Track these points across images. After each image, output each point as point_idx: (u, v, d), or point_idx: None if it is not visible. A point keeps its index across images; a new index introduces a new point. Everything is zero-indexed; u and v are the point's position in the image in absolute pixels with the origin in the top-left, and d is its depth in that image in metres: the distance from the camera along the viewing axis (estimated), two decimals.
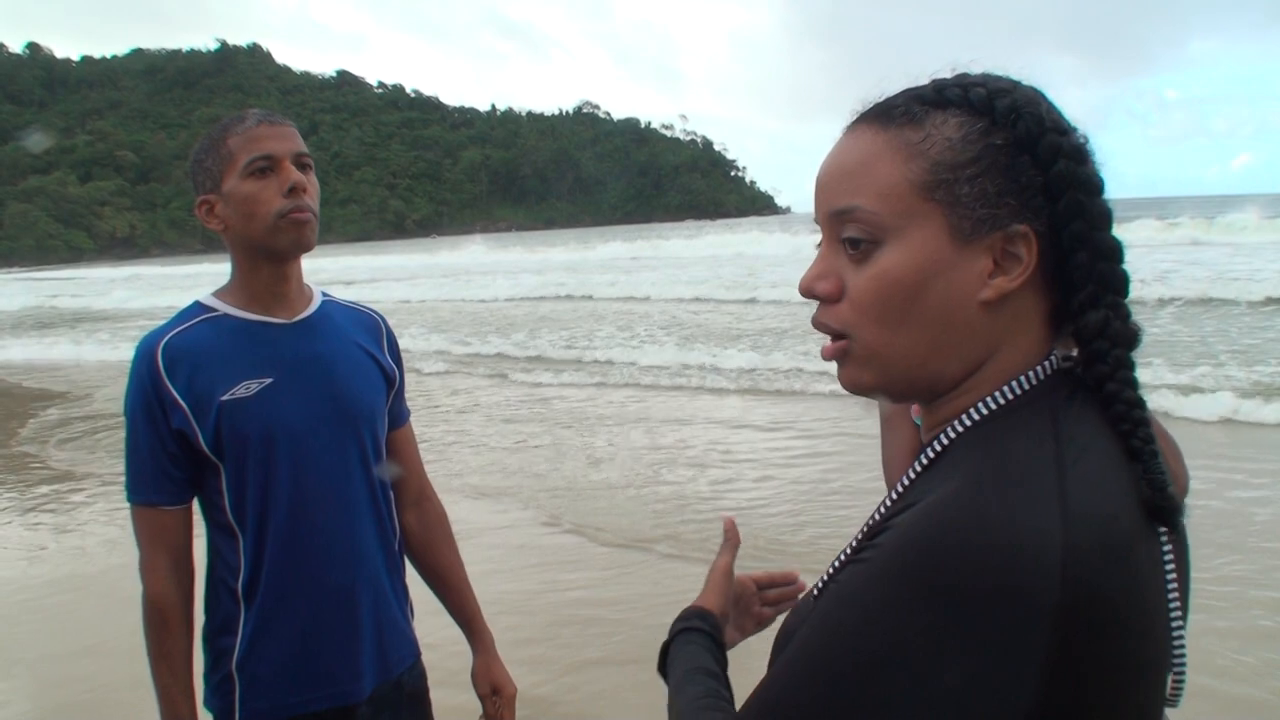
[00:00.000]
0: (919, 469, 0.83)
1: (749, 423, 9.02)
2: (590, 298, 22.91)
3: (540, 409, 10.15)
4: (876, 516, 0.84)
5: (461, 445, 8.60)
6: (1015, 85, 0.82)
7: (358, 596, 1.85)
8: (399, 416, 2.04)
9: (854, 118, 0.85)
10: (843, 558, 0.83)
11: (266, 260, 1.79)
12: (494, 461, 7.93)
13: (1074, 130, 0.81)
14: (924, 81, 0.84)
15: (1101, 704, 0.72)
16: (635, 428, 8.88)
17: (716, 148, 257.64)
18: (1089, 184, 0.79)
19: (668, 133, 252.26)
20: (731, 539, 1.23)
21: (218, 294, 1.85)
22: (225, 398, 1.73)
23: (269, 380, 1.77)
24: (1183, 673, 0.78)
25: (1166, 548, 0.77)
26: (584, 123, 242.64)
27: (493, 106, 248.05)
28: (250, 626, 1.79)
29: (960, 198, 0.78)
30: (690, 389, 10.85)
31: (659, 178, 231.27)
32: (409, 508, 2.07)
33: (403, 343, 2.09)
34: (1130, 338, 0.80)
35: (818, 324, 0.85)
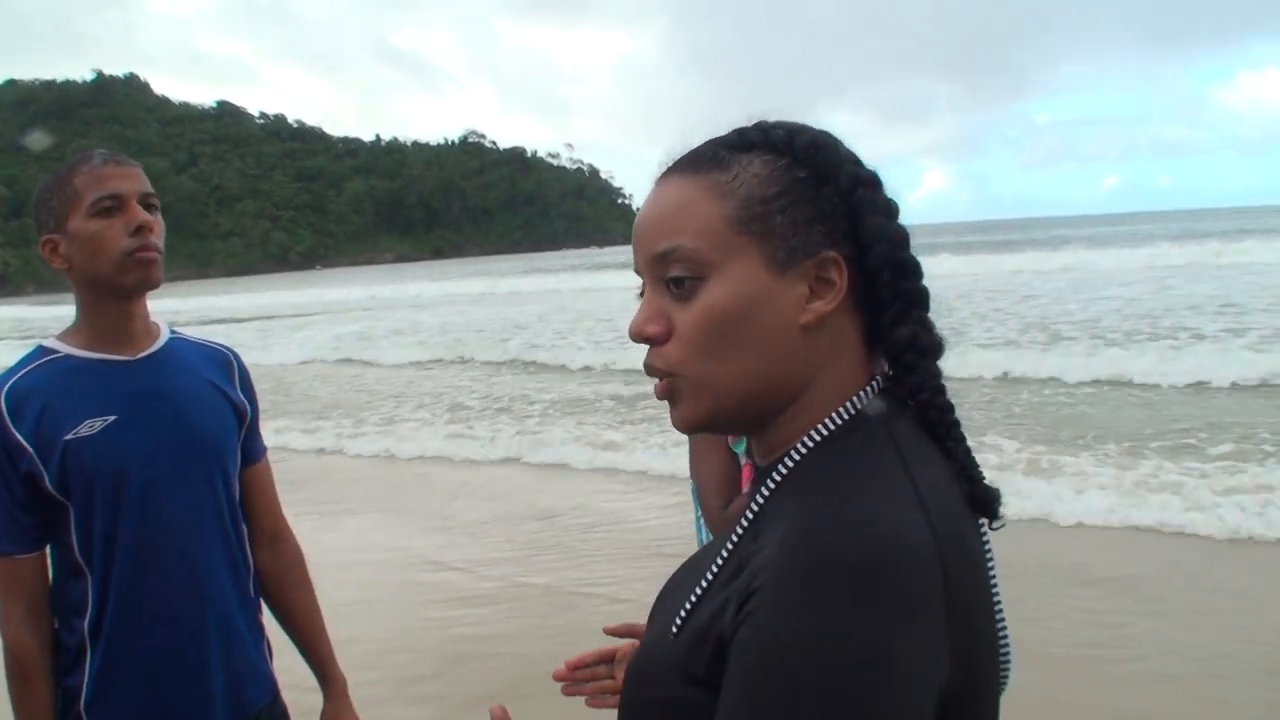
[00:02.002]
0: (766, 495, 0.86)
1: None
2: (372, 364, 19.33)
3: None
4: (729, 546, 0.87)
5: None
6: (809, 127, 0.89)
7: (207, 635, 1.84)
8: (252, 452, 2.02)
9: (663, 170, 0.91)
10: (710, 607, 0.83)
11: (112, 298, 1.79)
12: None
13: (865, 164, 0.89)
14: (725, 131, 0.91)
15: (981, 688, 0.80)
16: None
17: (603, 175, 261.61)
18: (887, 208, 0.87)
19: (554, 161, 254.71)
20: None
21: (61, 336, 1.85)
22: (69, 437, 1.73)
23: (113, 417, 1.77)
24: (1008, 658, 0.88)
25: (986, 539, 0.87)
26: (470, 152, 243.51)
27: (377, 136, 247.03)
28: (97, 667, 1.78)
29: (773, 229, 0.84)
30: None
31: (545, 206, 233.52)
32: (263, 546, 2.05)
33: None
34: (936, 348, 0.88)
35: (649, 366, 0.89)
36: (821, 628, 0.72)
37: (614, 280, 36.61)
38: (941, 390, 0.88)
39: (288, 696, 2.07)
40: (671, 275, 0.87)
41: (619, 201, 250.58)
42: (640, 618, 0.85)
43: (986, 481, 0.87)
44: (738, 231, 0.85)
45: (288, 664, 2.11)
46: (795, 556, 0.75)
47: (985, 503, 0.86)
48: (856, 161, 0.89)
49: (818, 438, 0.86)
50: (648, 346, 0.90)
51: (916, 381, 0.87)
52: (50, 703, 1.80)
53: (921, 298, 0.88)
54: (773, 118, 0.92)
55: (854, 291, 0.86)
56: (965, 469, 0.86)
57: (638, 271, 0.91)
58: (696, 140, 0.92)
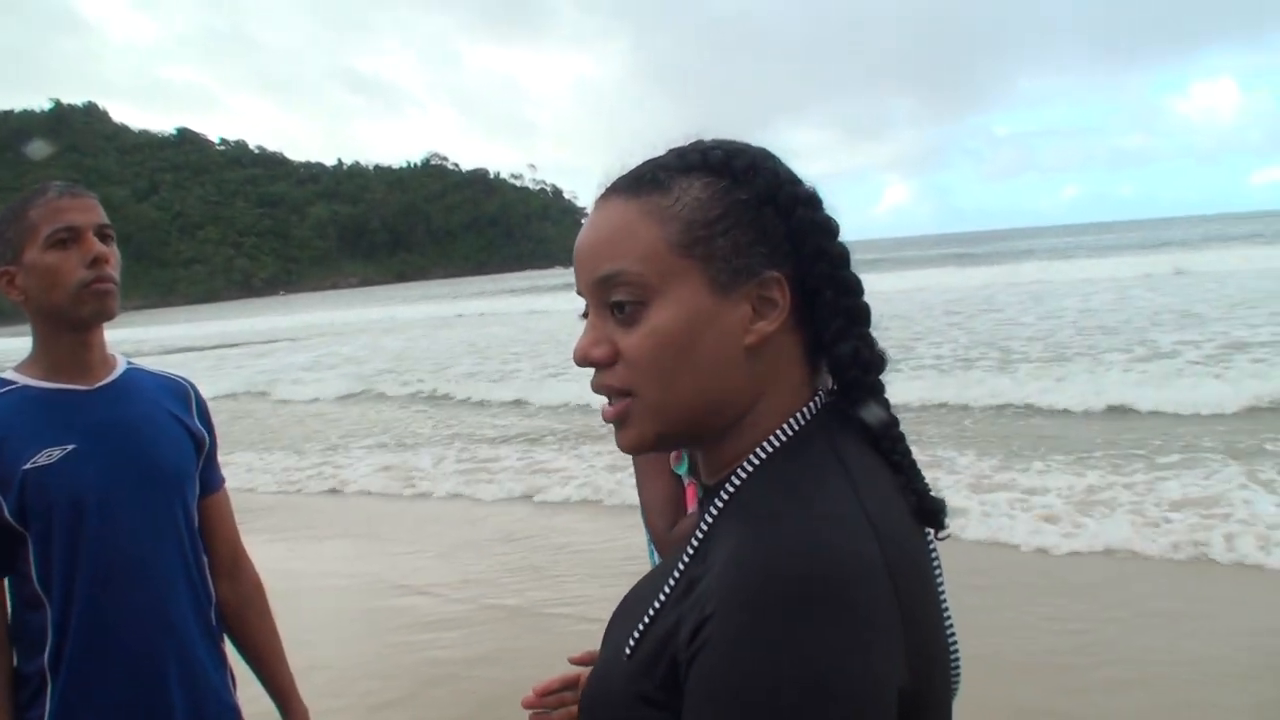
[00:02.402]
0: (713, 515, 0.87)
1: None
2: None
3: None
4: (679, 567, 0.87)
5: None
6: (748, 146, 0.90)
7: (167, 665, 1.83)
8: (210, 482, 2.03)
9: (602, 191, 0.91)
10: (663, 627, 0.84)
11: (69, 329, 1.80)
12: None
13: (804, 183, 0.90)
14: (662, 152, 0.91)
15: (932, 695, 0.80)
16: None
17: (566, 195, 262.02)
18: (826, 228, 0.88)
19: (517, 182, 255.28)
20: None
21: (18, 368, 1.85)
22: (27, 466, 1.72)
23: (71, 446, 1.77)
24: (958, 665, 0.90)
25: (934, 550, 0.90)
26: (433, 175, 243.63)
27: (339, 161, 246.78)
28: (58, 700, 1.76)
29: (715, 252, 0.84)
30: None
31: (509, 227, 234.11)
32: (222, 577, 2.04)
33: None
34: (878, 363, 0.89)
35: (598, 387, 0.90)
36: (774, 656, 0.72)
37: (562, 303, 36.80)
38: (885, 404, 0.90)
39: None
40: (614, 299, 0.87)
41: (583, 221, 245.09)
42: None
43: (932, 493, 0.89)
44: (680, 255, 0.85)
45: (252, 694, 2.10)
46: (740, 581, 0.76)
47: (931, 514, 0.88)
48: (795, 181, 0.89)
49: (763, 455, 0.86)
50: (593, 369, 0.90)
51: (860, 396, 0.89)
52: None
53: (863, 314, 0.89)
54: (721, 135, 0.92)
55: (796, 310, 0.87)
56: (910, 481, 0.88)
57: (580, 293, 0.91)
58: (634, 160, 0.91)
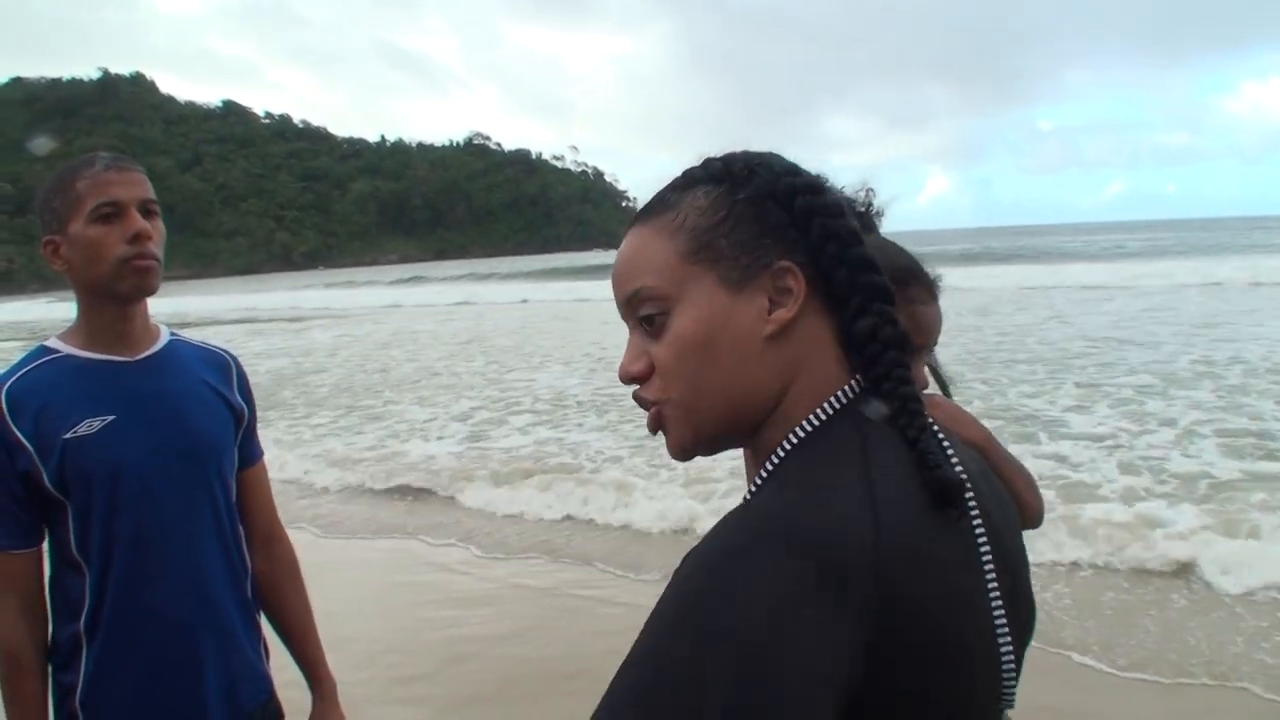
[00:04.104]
0: (748, 497, 0.88)
1: None
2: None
3: None
4: None
5: None
6: (748, 153, 0.94)
7: (203, 634, 1.86)
8: (250, 455, 2.06)
9: (629, 224, 0.96)
10: None
11: (109, 302, 1.81)
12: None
13: (806, 172, 0.92)
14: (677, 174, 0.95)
15: (914, 691, 0.77)
16: None
17: (607, 178, 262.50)
18: (831, 209, 0.89)
19: (558, 163, 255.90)
20: None
21: (62, 336, 1.87)
22: (68, 436, 1.75)
23: (111, 418, 1.79)
24: (1011, 670, 0.86)
25: (981, 540, 0.86)
26: (474, 154, 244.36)
27: (382, 137, 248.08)
28: (93, 663, 1.79)
29: (723, 252, 0.88)
30: None
31: (550, 208, 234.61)
32: (258, 549, 2.06)
33: None
34: (900, 339, 0.88)
35: (638, 400, 0.93)
36: (689, 603, 0.75)
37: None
38: (905, 380, 0.88)
39: (283, 694, 2.09)
40: (642, 314, 0.91)
41: (623, 205, 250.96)
42: (634, 620, 0.91)
43: (941, 470, 0.83)
44: (691, 262, 0.89)
45: (282, 662, 2.13)
46: (702, 543, 0.79)
47: (943, 492, 0.83)
48: (794, 172, 0.91)
49: (793, 441, 0.88)
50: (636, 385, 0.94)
51: (880, 373, 0.88)
52: (41, 699, 1.82)
53: (881, 291, 0.89)
54: (761, 120, 1.02)
55: (819, 295, 0.89)
56: (922, 455, 0.84)
57: (623, 318, 0.95)
58: (653, 178, 0.96)
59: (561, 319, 27.26)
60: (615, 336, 17.67)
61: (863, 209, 1.29)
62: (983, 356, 13.86)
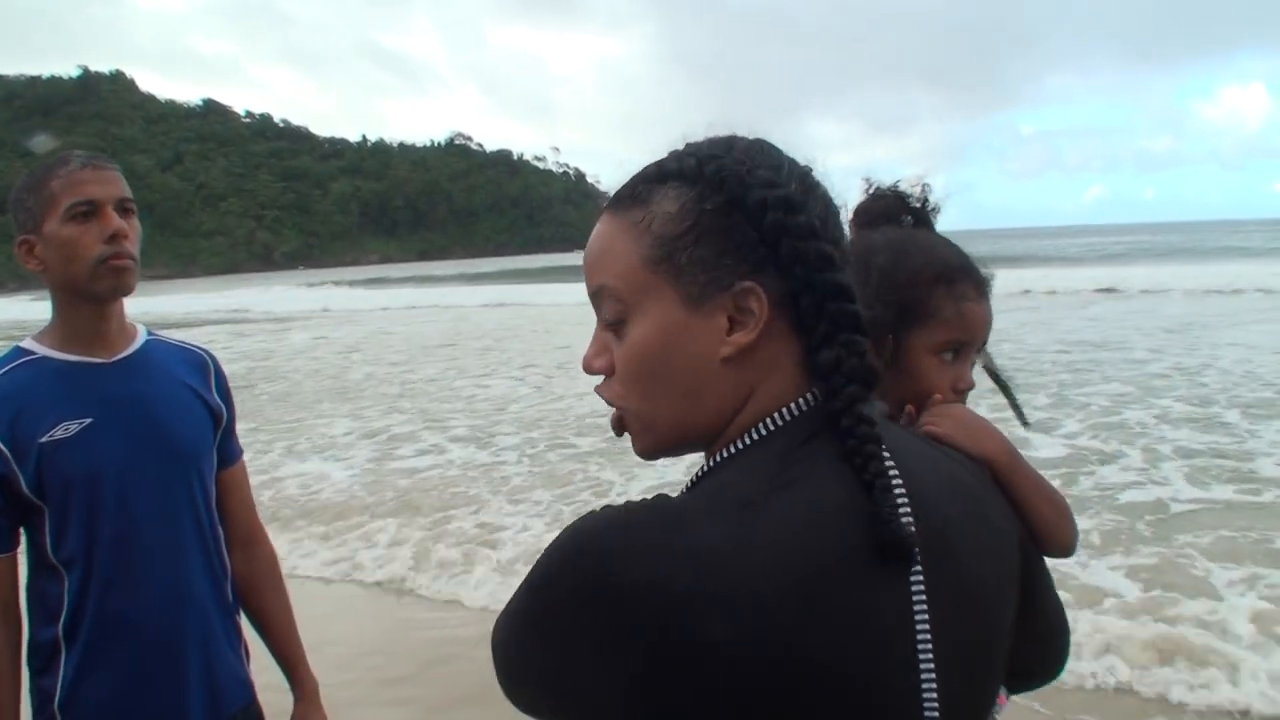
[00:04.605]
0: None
1: None
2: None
3: None
4: None
5: None
6: (730, 147, 0.88)
7: (183, 637, 1.85)
8: (229, 456, 2.04)
9: (605, 205, 0.92)
10: None
11: (86, 301, 1.79)
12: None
13: (785, 183, 0.85)
14: (682, 145, 0.90)
15: None
16: None
17: (589, 179, 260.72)
18: (802, 230, 0.83)
19: (540, 164, 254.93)
20: None
21: (37, 337, 1.85)
22: (44, 440, 1.73)
23: (88, 420, 1.77)
24: (933, 705, 0.79)
25: (918, 588, 0.79)
26: (456, 154, 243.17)
27: (363, 137, 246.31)
28: (72, 667, 1.78)
29: (682, 267, 0.84)
30: None
31: (532, 209, 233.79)
32: (238, 549, 2.05)
33: None
34: (866, 374, 0.83)
35: (600, 395, 0.92)
36: (512, 619, 0.84)
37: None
38: (863, 419, 0.82)
39: (263, 698, 2.08)
40: (604, 314, 0.90)
41: (604, 206, 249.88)
42: None
43: (893, 523, 0.78)
44: (651, 271, 0.86)
45: (261, 665, 2.12)
46: (552, 543, 0.83)
47: (890, 545, 0.78)
48: (770, 184, 0.85)
49: (720, 458, 0.87)
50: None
51: (838, 407, 0.83)
52: (15, 703, 1.79)
53: (851, 320, 0.84)
54: (745, 124, 0.92)
55: (786, 316, 0.85)
56: (876, 506, 0.78)
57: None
58: (632, 173, 0.93)
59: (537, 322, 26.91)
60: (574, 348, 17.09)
61: (918, 204, 1.27)
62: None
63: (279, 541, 6.95)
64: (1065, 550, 1.31)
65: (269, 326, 31.05)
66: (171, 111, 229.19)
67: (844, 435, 0.82)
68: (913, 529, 0.79)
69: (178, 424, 1.89)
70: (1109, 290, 26.40)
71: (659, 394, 0.87)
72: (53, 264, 1.78)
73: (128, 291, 1.82)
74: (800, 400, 0.86)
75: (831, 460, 0.81)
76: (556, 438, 10.08)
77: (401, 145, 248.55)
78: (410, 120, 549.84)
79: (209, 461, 1.97)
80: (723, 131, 0.92)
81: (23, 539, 1.83)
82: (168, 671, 1.84)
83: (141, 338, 1.93)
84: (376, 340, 24.14)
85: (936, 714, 0.80)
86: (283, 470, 9.27)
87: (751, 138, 0.91)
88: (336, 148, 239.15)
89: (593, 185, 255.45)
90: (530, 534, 6.65)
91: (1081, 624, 4.46)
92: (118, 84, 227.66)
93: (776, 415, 0.85)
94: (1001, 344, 1.41)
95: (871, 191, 1.31)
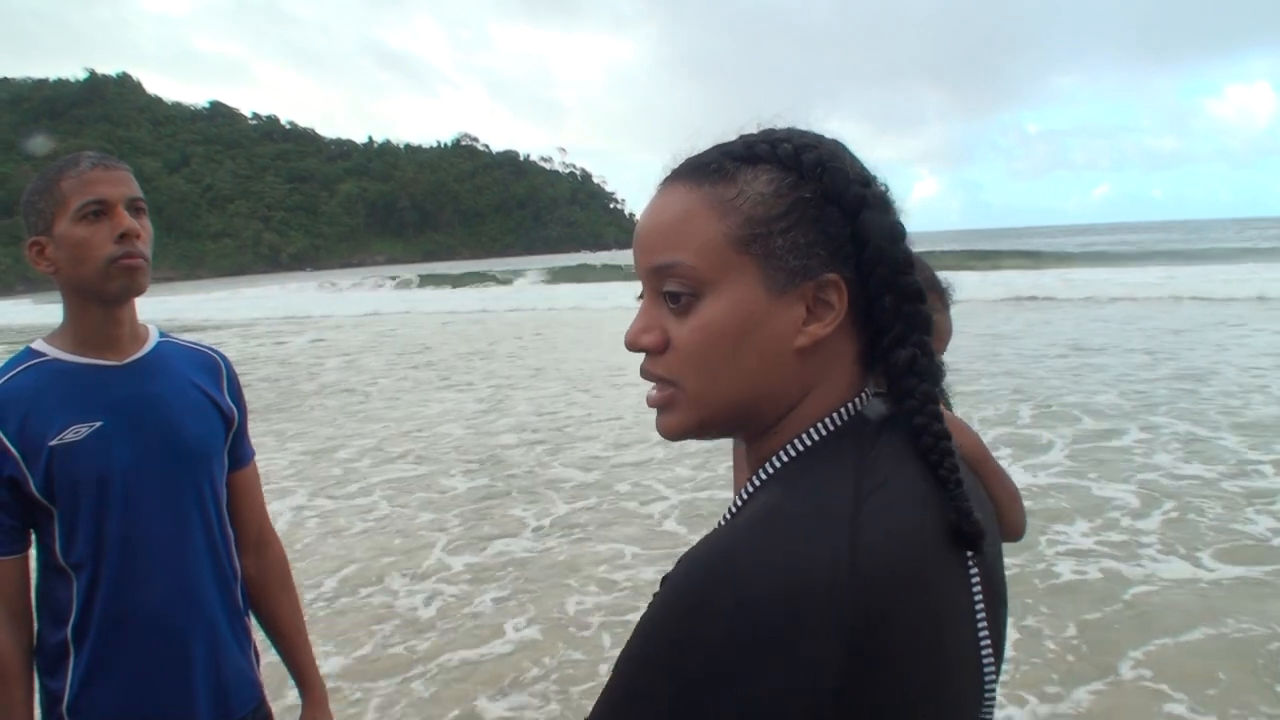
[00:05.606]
0: (737, 506, 0.86)
1: None
2: None
3: None
4: None
5: None
6: (820, 140, 0.88)
7: (192, 640, 1.84)
8: (240, 458, 2.03)
9: (667, 174, 0.89)
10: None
11: (97, 303, 1.78)
12: None
13: (875, 181, 0.87)
14: (732, 138, 0.89)
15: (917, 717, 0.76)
16: None
17: (595, 180, 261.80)
18: (891, 232, 0.85)
19: (547, 165, 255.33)
20: None
21: (48, 339, 1.84)
22: (54, 442, 1.72)
23: (99, 423, 1.76)
24: (990, 697, 0.85)
25: (974, 573, 0.84)
26: (463, 155, 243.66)
27: (370, 138, 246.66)
28: (81, 669, 1.78)
29: (774, 250, 0.83)
30: None
31: (539, 210, 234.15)
32: (248, 552, 2.05)
33: None
34: (935, 373, 0.86)
35: (646, 374, 0.89)
36: (656, 649, 0.75)
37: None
38: (937, 416, 0.85)
39: (271, 700, 2.09)
40: (669, 289, 0.86)
41: (611, 206, 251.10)
42: (635, 601, 0.91)
43: (973, 516, 0.82)
44: (738, 251, 0.84)
45: (269, 664, 2.12)
46: (678, 569, 0.78)
47: (965, 536, 0.82)
48: (865, 182, 0.86)
49: (787, 457, 0.86)
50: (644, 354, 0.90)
51: (913, 405, 0.85)
52: (26, 705, 1.79)
53: (924, 322, 0.86)
54: (780, 123, 0.91)
55: (854, 312, 0.86)
56: (954, 499, 0.82)
57: (639, 276, 0.91)
58: (703, 144, 0.90)
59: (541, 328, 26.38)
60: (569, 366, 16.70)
61: None
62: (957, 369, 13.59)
63: None
64: (1016, 534, 1.53)
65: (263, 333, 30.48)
66: (178, 114, 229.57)
67: (919, 433, 0.85)
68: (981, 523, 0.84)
69: (188, 426, 1.89)
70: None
71: (724, 376, 0.85)
72: (64, 265, 1.78)
73: (139, 291, 1.81)
74: (860, 397, 0.88)
75: (908, 457, 0.84)
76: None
77: (408, 146, 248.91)
78: (417, 121, 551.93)
79: (220, 464, 1.96)
80: (748, 129, 0.91)
81: (32, 541, 1.83)
82: (175, 674, 1.85)
83: (154, 339, 1.93)
84: (368, 346, 23.16)
85: (993, 704, 0.85)
86: None
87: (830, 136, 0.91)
88: (343, 149, 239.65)
89: (599, 185, 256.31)
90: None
91: None
92: (124, 86, 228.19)
93: (843, 410, 0.86)
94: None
95: None
